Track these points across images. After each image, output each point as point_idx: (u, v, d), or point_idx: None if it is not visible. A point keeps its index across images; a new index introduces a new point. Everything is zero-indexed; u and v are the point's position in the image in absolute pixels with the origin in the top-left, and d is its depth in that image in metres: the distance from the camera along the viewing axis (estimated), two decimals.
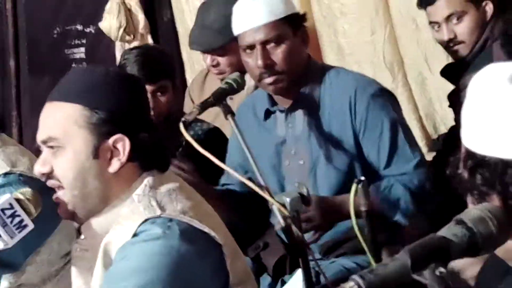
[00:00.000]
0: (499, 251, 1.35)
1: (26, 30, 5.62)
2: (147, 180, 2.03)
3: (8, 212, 1.91)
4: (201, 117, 3.25)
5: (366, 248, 2.25)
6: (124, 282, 1.89)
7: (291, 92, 3.15)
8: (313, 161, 3.13)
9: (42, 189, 2.07)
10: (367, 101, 3.08)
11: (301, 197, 2.58)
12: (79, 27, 5.47)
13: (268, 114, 3.23)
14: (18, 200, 1.95)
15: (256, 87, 3.30)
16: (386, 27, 4.24)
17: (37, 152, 2.19)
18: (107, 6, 5.09)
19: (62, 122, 2.02)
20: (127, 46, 4.94)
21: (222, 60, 3.86)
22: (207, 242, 1.98)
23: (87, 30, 5.40)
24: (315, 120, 3.12)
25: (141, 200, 2.00)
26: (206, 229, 1.97)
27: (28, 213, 1.95)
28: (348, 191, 2.71)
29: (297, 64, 3.13)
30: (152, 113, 2.39)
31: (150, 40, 5.05)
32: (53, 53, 5.59)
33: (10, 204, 1.93)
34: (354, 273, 1.22)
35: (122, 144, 2.00)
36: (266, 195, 2.57)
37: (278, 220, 2.51)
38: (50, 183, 2.02)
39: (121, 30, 5.06)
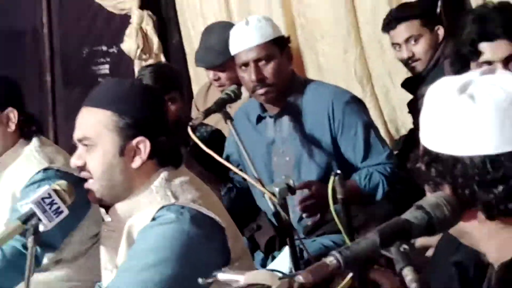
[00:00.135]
0: (452, 231, 1.35)
1: (60, 50, 5.59)
2: (164, 174, 2.04)
3: (47, 201, 1.93)
4: (205, 121, 3.28)
5: (342, 229, 2.24)
6: (144, 259, 1.91)
7: (279, 101, 3.16)
8: (297, 158, 3.13)
9: (75, 182, 2.08)
10: (342, 107, 3.09)
11: (287, 188, 2.59)
12: (104, 48, 5.44)
13: (259, 119, 3.24)
14: (55, 191, 1.96)
15: (250, 97, 3.29)
16: (357, 48, 4.23)
17: (70, 151, 2.19)
18: (127, 31, 5.07)
19: (95, 125, 2.03)
20: (143, 63, 4.93)
21: (222, 75, 3.85)
22: (212, 226, 1.99)
23: (111, 50, 5.38)
24: (299, 125, 3.12)
25: (158, 191, 2.01)
26: (212, 215, 1.99)
27: (63, 201, 1.96)
28: (326, 182, 2.72)
29: (283, 78, 3.13)
30: None
31: (162, 59, 5.03)
32: (82, 69, 5.56)
33: (49, 194, 1.94)
34: (332, 250, 1.23)
35: (144, 145, 2.01)
36: (259, 186, 2.59)
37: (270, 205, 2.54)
38: (83, 174, 2.04)
39: (139, 50, 5.05)
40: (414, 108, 3.53)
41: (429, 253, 1.77)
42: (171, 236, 1.92)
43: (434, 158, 1.32)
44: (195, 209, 1.97)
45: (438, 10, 3.83)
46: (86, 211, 2.57)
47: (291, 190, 2.67)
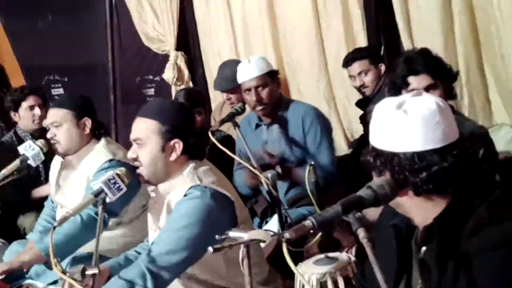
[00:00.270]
0: (391, 203, 1.36)
1: (120, 78, 5.58)
2: (192, 165, 2.05)
3: (112, 181, 1.94)
4: (220, 128, 3.30)
5: (314, 202, 2.25)
6: (179, 223, 1.93)
7: (271, 114, 3.14)
8: (282, 153, 3.10)
9: (131, 169, 2.08)
10: (310, 119, 3.08)
11: (277, 174, 2.60)
12: (151, 77, 5.42)
13: (257, 126, 3.22)
14: (117, 175, 1.97)
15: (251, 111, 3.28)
16: (325, 78, 4.22)
17: (127, 148, 2.20)
18: (167, 65, 5.06)
19: (144, 130, 2.03)
20: (178, 88, 4.92)
21: (232, 96, 3.85)
22: (225, 200, 2.00)
23: (155, 78, 5.36)
24: (284, 131, 3.11)
25: (188, 176, 2.01)
26: (225, 193, 2.00)
27: (123, 182, 1.97)
28: (301, 169, 2.74)
29: (274, 99, 3.11)
30: None
31: (191, 85, 5.02)
32: (135, 92, 5.54)
33: (113, 176, 1.95)
34: (308, 216, 1.25)
35: (178, 145, 2.02)
36: (257, 173, 2.59)
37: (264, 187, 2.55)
38: (136, 163, 2.05)
39: (174, 79, 5.04)
40: (364, 120, 3.52)
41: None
42: (197, 207, 1.93)
43: (379, 153, 1.32)
44: (213, 188, 1.98)
45: (381, 52, 3.85)
46: (137, 189, 2.54)
47: (279, 176, 2.69)
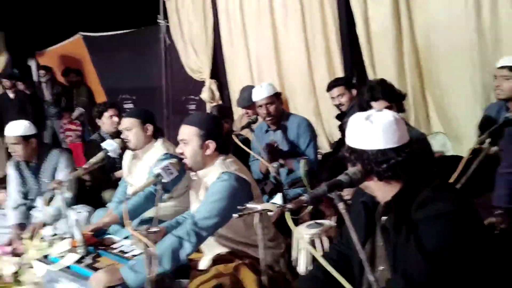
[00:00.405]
0: (361, 186, 1.35)
1: (171, 97, 5.60)
2: (221, 157, 2.02)
3: (167, 168, 1.90)
4: (241, 133, 3.29)
5: (306, 184, 2.24)
6: (212, 197, 1.90)
7: (276, 123, 3.10)
8: (284, 150, 3.08)
9: (179, 160, 2.04)
10: (303, 126, 3.04)
11: (280, 165, 2.59)
12: (193, 97, 5.43)
13: (267, 131, 3.18)
14: (171, 163, 1.93)
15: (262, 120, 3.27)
16: (314, 99, 4.22)
17: (176, 145, 2.17)
18: (203, 89, 5.06)
19: (188, 133, 2.00)
20: (211, 105, 4.91)
21: (249, 111, 3.81)
22: (244, 182, 1.96)
23: (196, 98, 5.36)
24: (286, 135, 3.08)
25: (219, 165, 1.99)
26: (245, 177, 1.97)
27: (175, 168, 1.93)
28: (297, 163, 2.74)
29: (279, 113, 3.08)
30: None
31: (220, 102, 5.02)
32: (181, 107, 5.55)
33: (168, 165, 1.92)
34: (303, 194, 1.25)
35: (212, 144, 1.99)
36: (267, 164, 2.59)
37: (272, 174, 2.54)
38: (182, 156, 2.01)
39: (209, 98, 5.05)
40: (341, 129, 3.50)
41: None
42: (225, 187, 1.90)
43: (353, 150, 1.31)
44: (236, 174, 1.95)
45: (354, 81, 3.83)
46: (183, 174, 2.50)
47: (282, 166, 2.68)
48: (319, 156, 3.43)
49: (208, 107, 4.94)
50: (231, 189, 1.89)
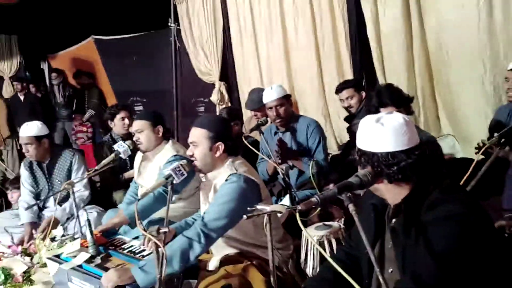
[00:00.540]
0: (371, 188, 1.34)
1: (181, 100, 5.62)
2: (230, 159, 2.02)
3: (177, 169, 1.90)
4: (250, 134, 3.29)
5: (315, 186, 2.23)
6: (222, 199, 1.90)
7: (285, 125, 3.09)
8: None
9: (189, 162, 2.04)
10: (312, 128, 3.02)
11: (289, 166, 2.59)
12: (202, 99, 5.46)
13: (275, 133, 3.17)
14: (181, 165, 1.92)
15: (271, 123, 3.27)
16: (323, 101, 4.21)
17: (186, 147, 2.18)
18: (213, 91, 5.07)
19: (198, 136, 2.01)
20: (221, 107, 4.94)
21: (258, 113, 3.79)
22: (253, 184, 1.96)
23: (205, 100, 5.38)
24: (294, 136, 3.06)
25: (228, 167, 1.99)
26: (253, 178, 1.97)
27: (184, 170, 1.93)
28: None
29: (288, 114, 3.07)
30: None
31: (229, 104, 5.02)
32: (191, 109, 5.58)
33: (178, 166, 1.91)
34: (311, 197, 1.24)
35: (221, 146, 1.99)
36: (276, 165, 2.58)
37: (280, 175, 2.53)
38: (192, 158, 2.02)
39: (218, 100, 5.05)
40: (350, 130, 3.48)
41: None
42: (235, 188, 1.90)
43: (363, 153, 1.31)
44: (245, 175, 1.94)
45: (363, 83, 3.81)
46: (193, 175, 2.50)
47: (291, 168, 2.67)
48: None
49: (218, 110, 4.95)
50: (240, 190, 1.89)
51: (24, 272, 2.23)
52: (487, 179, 2.09)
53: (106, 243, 2.27)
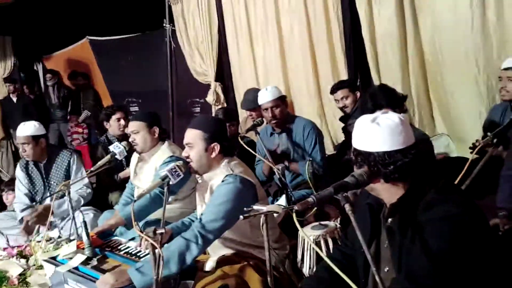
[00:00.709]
0: (367, 188, 1.34)
1: (176, 100, 5.59)
2: (226, 160, 2.01)
3: (174, 170, 1.89)
4: (246, 135, 3.28)
5: (311, 186, 2.22)
6: (218, 200, 1.89)
7: (281, 126, 3.09)
8: (289, 152, 3.06)
9: (185, 163, 2.03)
10: (308, 129, 3.01)
11: (285, 167, 2.59)
12: (198, 99, 5.45)
13: (271, 134, 3.16)
14: (177, 165, 1.92)
15: (266, 124, 3.27)
16: (318, 101, 4.21)
17: (182, 148, 2.16)
18: (209, 91, 5.05)
19: (193, 137, 2.00)
20: (217, 107, 4.92)
21: (254, 113, 3.79)
22: (250, 184, 1.95)
23: (201, 100, 5.36)
24: (290, 137, 3.06)
25: (224, 168, 1.98)
26: (249, 179, 1.96)
27: (181, 170, 1.92)
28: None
29: (284, 115, 3.06)
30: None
31: (225, 105, 5.01)
32: (186, 110, 5.57)
33: (175, 167, 1.90)
34: (307, 197, 1.24)
35: (216, 147, 1.98)
36: (272, 165, 2.58)
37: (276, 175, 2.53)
38: (188, 159, 2.00)
39: (214, 101, 5.04)
40: (345, 130, 3.50)
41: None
42: (231, 189, 1.89)
43: (359, 153, 1.31)
44: (241, 176, 1.94)
45: (358, 83, 3.82)
46: (189, 177, 2.51)
47: (287, 168, 2.66)
48: None
49: (213, 110, 4.94)
50: (236, 191, 1.89)
51: (20, 275, 2.22)
52: (482, 178, 2.10)
53: (102, 245, 2.26)
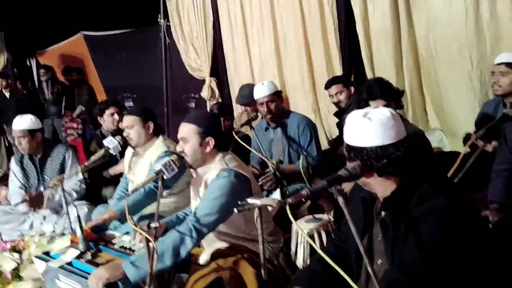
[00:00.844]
0: (359, 182, 1.35)
1: (171, 96, 5.58)
2: (221, 154, 2.01)
3: (168, 164, 1.88)
4: (241, 130, 3.28)
5: (306, 180, 2.23)
6: (213, 194, 1.89)
7: (276, 121, 3.09)
8: (283, 147, 3.07)
9: (179, 157, 2.02)
10: (303, 125, 3.02)
11: (280, 161, 2.59)
12: (192, 95, 5.44)
13: (266, 129, 3.17)
14: (171, 160, 1.90)
15: (261, 118, 3.26)
16: (313, 96, 4.22)
17: (176, 143, 2.16)
18: (204, 87, 5.05)
19: (188, 131, 1.99)
20: (212, 103, 4.92)
21: (249, 108, 3.81)
22: (244, 178, 1.95)
23: (195, 96, 5.37)
24: (285, 132, 3.06)
25: (218, 162, 1.98)
26: (244, 173, 1.96)
27: (175, 165, 1.90)
28: (298, 159, 2.72)
29: (279, 110, 3.06)
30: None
31: (220, 100, 5.01)
32: (181, 105, 5.56)
33: (169, 161, 1.89)
34: (301, 190, 1.22)
35: (211, 141, 1.97)
36: (266, 160, 2.58)
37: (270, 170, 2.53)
38: (182, 154, 1.99)
39: (209, 96, 5.04)
40: (340, 126, 3.50)
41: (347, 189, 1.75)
42: (225, 183, 1.89)
43: (352, 148, 1.31)
44: (236, 170, 1.93)
45: (352, 79, 3.83)
46: (183, 171, 2.48)
47: (281, 162, 2.67)
48: None
49: (208, 105, 4.93)
50: (231, 185, 1.89)
51: (13, 269, 2.20)
52: (476, 172, 2.12)
53: (97, 239, 2.25)
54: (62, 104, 6.41)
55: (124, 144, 2.76)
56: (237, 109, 4.56)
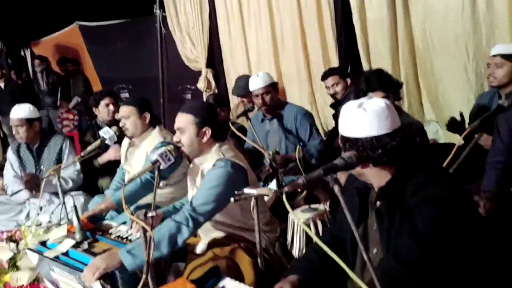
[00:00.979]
0: (354, 172, 1.36)
1: (167, 86, 5.58)
2: (217, 144, 2.01)
3: (164, 154, 1.88)
4: (237, 121, 3.28)
5: (302, 170, 2.24)
6: (209, 184, 1.88)
7: (272, 113, 3.10)
8: (280, 139, 3.07)
9: (176, 147, 2.02)
10: (301, 115, 3.04)
11: (276, 152, 2.59)
12: (189, 86, 5.43)
13: (262, 120, 3.17)
14: (168, 150, 1.90)
15: (257, 110, 3.26)
16: (309, 87, 4.22)
17: (173, 133, 2.15)
18: (200, 78, 5.04)
19: (184, 121, 1.98)
20: (207, 94, 4.91)
21: (245, 99, 3.81)
22: (240, 168, 1.95)
23: (192, 87, 5.35)
24: (282, 123, 3.07)
25: (215, 152, 1.98)
26: (240, 163, 1.95)
27: (172, 155, 1.90)
28: (294, 150, 2.73)
29: (275, 102, 3.07)
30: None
31: (216, 91, 4.99)
32: (178, 95, 5.55)
33: (165, 151, 1.89)
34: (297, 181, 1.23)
35: (208, 131, 1.97)
36: (263, 151, 2.58)
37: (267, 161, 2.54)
38: (179, 144, 1.99)
39: (205, 87, 5.03)
40: (336, 117, 3.50)
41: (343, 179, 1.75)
42: (222, 173, 1.88)
43: (347, 139, 1.31)
44: (232, 160, 1.93)
45: (348, 70, 3.82)
46: (180, 161, 2.49)
47: (277, 153, 2.67)
48: None
49: (205, 96, 4.92)
50: (227, 175, 1.88)
51: (10, 259, 2.20)
52: (471, 163, 2.13)
53: (93, 229, 2.25)
54: (58, 95, 6.36)
55: (120, 134, 2.75)
56: (233, 100, 4.55)
